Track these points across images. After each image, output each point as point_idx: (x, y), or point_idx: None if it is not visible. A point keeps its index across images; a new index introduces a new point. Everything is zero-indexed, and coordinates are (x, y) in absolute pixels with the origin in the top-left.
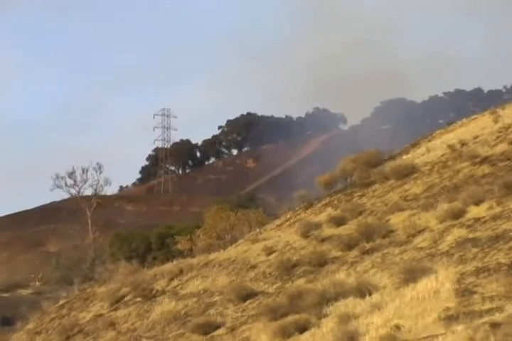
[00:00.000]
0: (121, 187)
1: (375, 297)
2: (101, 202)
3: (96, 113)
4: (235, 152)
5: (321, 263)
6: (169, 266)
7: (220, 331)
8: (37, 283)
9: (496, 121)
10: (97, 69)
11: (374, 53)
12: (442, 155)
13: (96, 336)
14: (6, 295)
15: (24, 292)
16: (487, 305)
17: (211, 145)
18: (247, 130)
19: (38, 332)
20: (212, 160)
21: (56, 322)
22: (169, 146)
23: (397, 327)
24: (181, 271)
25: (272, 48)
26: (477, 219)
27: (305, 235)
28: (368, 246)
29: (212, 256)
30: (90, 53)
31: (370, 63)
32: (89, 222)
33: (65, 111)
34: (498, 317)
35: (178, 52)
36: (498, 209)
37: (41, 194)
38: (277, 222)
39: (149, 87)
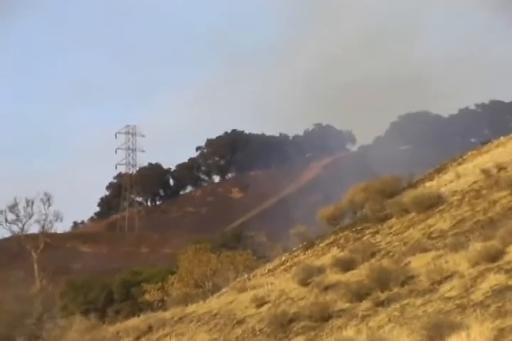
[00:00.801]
0: (75, 224)
1: None
2: (50, 241)
3: (44, 131)
4: (217, 179)
5: (324, 317)
6: (135, 322)
7: None
8: None
9: None
10: (46, 79)
11: (389, 56)
12: (475, 183)
13: None
14: None
15: None
16: None
17: (187, 171)
18: (231, 151)
19: None
20: (188, 188)
21: None
22: (135, 172)
23: None
24: (150, 328)
25: (264, 54)
26: None
27: (304, 282)
28: (382, 295)
29: (190, 308)
30: (37, 58)
31: (385, 68)
32: (36, 266)
33: (3, 130)
34: None
35: (149, 58)
36: None
37: None
38: (270, 265)
39: (111, 100)
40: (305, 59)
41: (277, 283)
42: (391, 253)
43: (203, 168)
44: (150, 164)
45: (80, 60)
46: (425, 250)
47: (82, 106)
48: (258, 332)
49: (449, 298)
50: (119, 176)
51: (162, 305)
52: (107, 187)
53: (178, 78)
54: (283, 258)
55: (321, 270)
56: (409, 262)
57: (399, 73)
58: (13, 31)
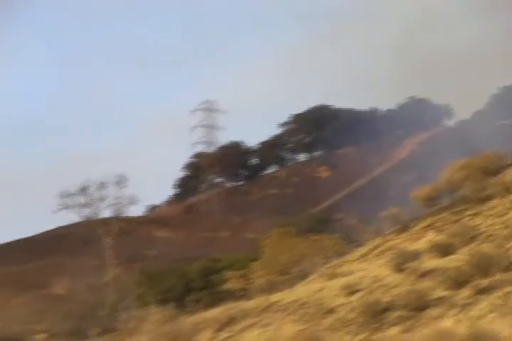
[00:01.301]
0: (150, 207)
1: None
2: (124, 226)
3: (113, 109)
4: (302, 157)
5: (420, 306)
6: (216, 312)
7: None
8: (41, 335)
9: None
10: (109, 52)
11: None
12: None
13: None
14: None
15: None
16: None
17: (271, 149)
18: (318, 128)
19: None
20: (272, 168)
21: None
22: (214, 151)
23: None
24: (233, 319)
25: (349, 22)
26: None
27: (399, 268)
28: (483, 282)
29: (275, 297)
30: (100, 28)
31: (485, 32)
32: (109, 253)
33: (70, 109)
34: None
35: (227, 27)
36: None
37: (43, 217)
38: (361, 250)
39: (186, 73)
40: (397, 24)
41: (369, 270)
42: (492, 237)
43: (287, 146)
44: (230, 142)
45: (149, 29)
46: None
47: (155, 81)
48: (349, 322)
49: None
50: (197, 156)
51: (245, 293)
52: (184, 168)
53: (258, 49)
54: (375, 243)
55: (416, 255)
56: None
57: (500, 37)
58: None
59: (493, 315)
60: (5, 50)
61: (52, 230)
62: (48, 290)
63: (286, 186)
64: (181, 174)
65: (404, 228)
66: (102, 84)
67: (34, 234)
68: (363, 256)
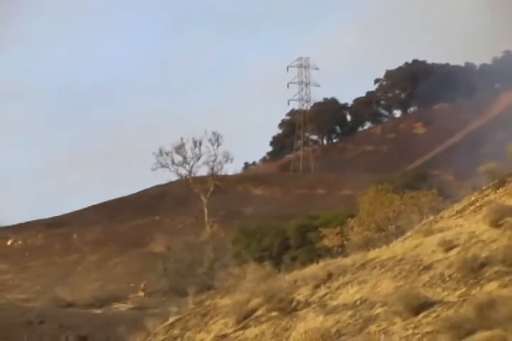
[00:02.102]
0: (246, 165)
1: None
2: (220, 184)
3: (206, 67)
4: (397, 114)
5: None
6: (314, 269)
7: None
8: (140, 293)
9: None
10: (200, 11)
11: None
12: None
13: None
14: (98, 311)
15: (122, 307)
16: None
17: (366, 106)
18: (413, 83)
19: None
20: (367, 125)
21: None
22: (309, 108)
23: None
24: (330, 276)
25: None
26: None
27: (496, 223)
28: None
29: (372, 254)
30: None
31: None
32: (206, 211)
33: (163, 68)
34: None
35: None
36: None
37: (140, 176)
38: (458, 206)
39: (278, 29)
40: None
41: (466, 225)
42: None
43: (382, 102)
44: (325, 99)
45: None
46: None
47: (250, 39)
48: (447, 278)
49: None
50: (292, 113)
51: (342, 250)
52: (280, 125)
53: (351, 5)
54: (472, 198)
55: None
56: None
57: None
58: None
59: None
60: (100, 13)
61: (149, 189)
62: (146, 248)
63: (381, 143)
64: (277, 131)
65: (501, 183)
66: (196, 44)
67: (132, 193)
68: (459, 211)
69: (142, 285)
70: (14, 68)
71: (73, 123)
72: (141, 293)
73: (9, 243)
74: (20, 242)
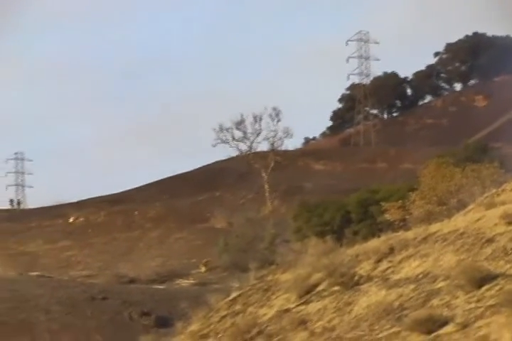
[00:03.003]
0: (306, 140)
1: None
2: (280, 160)
3: (265, 42)
4: (458, 87)
5: None
6: (375, 243)
7: (447, 328)
8: (202, 268)
9: None
10: None
11: None
12: None
13: (282, 338)
14: (160, 287)
15: (184, 282)
16: None
17: (426, 79)
18: (474, 56)
19: (204, 336)
20: (427, 98)
21: (228, 321)
22: (369, 82)
23: None
24: (392, 250)
25: None
26: None
27: None
28: None
29: (434, 227)
30: None
31: None
32: (266, 187)
33: (220, 43)
34: None
35: None
36: None
37: (200, 152)
38: None
39: (337, 2)
40: None
41: None
42: None
43: (442, 76)
44: (385, 73)
45: None
46: None
47: (306, 12)
48: (510, 251)
49: None
50: (352, 87)
51: (403, 224)
52: (339, 100)
53: None
54: None
55: None
56: None
57: None
58: None
59: None
60: None
61: (209, 165)
62: (206, 224)
63: (442, 116)
64: (337, 106)
65: None
66: (254, 18)
67: (192, 169)
68: None
69: (204, 261)
70: (71, 44)
71: (133, 99)
72: (203, 268)
73: (71, 220)
74: (82, 219)
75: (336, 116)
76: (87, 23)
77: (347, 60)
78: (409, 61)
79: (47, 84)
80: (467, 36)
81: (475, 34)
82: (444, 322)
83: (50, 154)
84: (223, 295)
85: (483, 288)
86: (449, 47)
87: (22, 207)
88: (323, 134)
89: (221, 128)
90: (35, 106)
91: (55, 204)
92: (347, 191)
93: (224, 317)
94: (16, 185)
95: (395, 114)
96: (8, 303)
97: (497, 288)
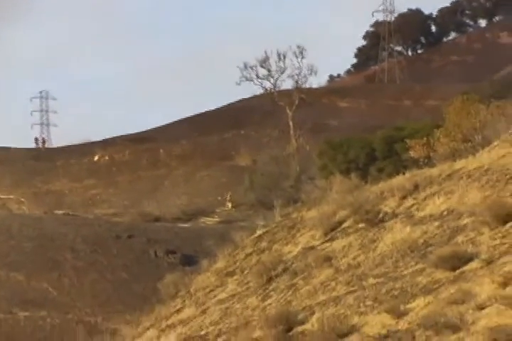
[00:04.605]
0: (331, 77)
1: None
2: (305, 97)
3: None
4: (483, 23)
5: None
6: (400, 180)
7: (472, 264)
8: (228, 204)
9: None
10: None
11: None
12: None
13: (307, 275)
14: (185, 225)
15: (209, 220)
16: None
17: (451, 16)
18: None
19: (230, 273)
20: (452, 35)
21: (253, 259)
22: (393, 19)
23: None
24: (417, 187)
25: None
26: None
27: None
28: None
29: (458, 164)
30: None
31: None
32: (291, 124)
33: None
34: None
35: None
36: None
37: (224, 90)
38: None
39: None
40: None
41: None
42: None
43: (467, 12)
44: (409, 10)
45: None
46: None
47: None
48: None
49: None
50: (376, 24)
51: (428, 161)
52: (364, 37)
53: None
54: None
55: None
56: None
57: None
58: None
59: None
60: None
61: (235, 103)
62: (232, 162)
63: (467, 53)
64: (361, 43)
65: None
66: None
67: (218, 107)
68: None
69: (228, 196)
70: None
71: (158, 36)
72: (229, 204)
73: (96, 158)
74: (107, 158)
75: (361, 53)
76: None
77: None
78: None
79: (73, 21)
80: None
81: None
82: (469, 259)
83: (75, 92)
84: (249, 232)
85: (508, 225)
86: None
87: (47, 145)
88: (348, 72)
89: (246, 66)
90: (61, 43)
91: (80, 142)
92: (372, 128)
93: (249, 254)
94: (41, 123)
95: (419, 51)
96: (35, 242)
97: None
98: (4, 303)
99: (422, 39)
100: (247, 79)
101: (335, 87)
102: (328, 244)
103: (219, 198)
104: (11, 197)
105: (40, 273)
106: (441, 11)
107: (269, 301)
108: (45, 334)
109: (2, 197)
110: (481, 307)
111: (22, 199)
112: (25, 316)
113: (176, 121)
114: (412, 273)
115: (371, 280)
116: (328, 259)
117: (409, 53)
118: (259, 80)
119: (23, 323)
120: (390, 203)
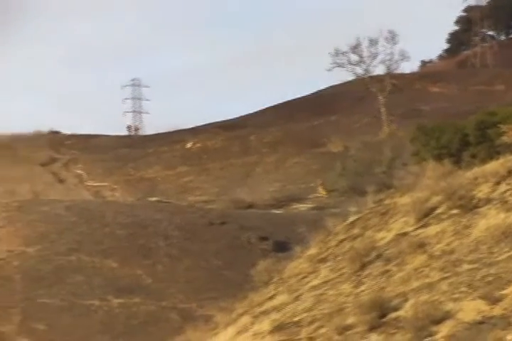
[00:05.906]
0: (423, 63)
1: None
2: (397, 83)
3: None
4: None
5: None
6: (494, 166)
7: None
8: (320, 191)
9: None
10: None
11: None
12: None
13: (400, 262)
14: (278, 211)
15: (302, 207)
16: None
17: None
18: None
19: (322, 260)
20: None
21: (346, 245)
22: (486, 3)
23: None
24: (510, 172)
25: None
26: None
27: None
28: None
29: None
30: None
31: None
32: (383, 110)
33: None
34: None
35: None
36: None
37: (316, 76)
38: None
39: None
40: None
41: None
42: None
43: None
44: None
45: None
46: None
47: None
48: None
49: None
50: (469, 9)
51: None
52: (456, 22)
53: None
54: None
55: None
56: None
57: None
58: None
59: None
60: None
61: (325, 89)
62: (323, 148)
63: None
64: (453, 28)
65: None
66: None
67: (308, 93)
68: None
69: (319, 183)
70: None
71: (241, 21)
72: (321, 190)
73: (189, 145)
74: (199, 145)
75: (453, 38)
76: None
77: None
78: None
79: (163, 10)
80: None
81: None
82: None
83: (166, 80)
84: (341, 219)
85: None
86: None
87: (139, 133)
88: (440, 57)
89: (337, 52)
90: (151, 31)
91: (171, 130)
92: (464, 114)
93: (342, 241)
94: (133, 111)
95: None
96: (128, 229)
97: None
98: (98, 290)
99: None
100: (338, 66)
101: (427, 73)
102: (421, 230)
103: (311, 185)
104: (104, 184)
105: (133, 260)
106: None
107: (362, 288)
108: (140, 321)
109: (95, 184)
110: None
111: (115, 187)
112: (119, 303)
113: (266, 108)
114: (507, 259)
115: (465, 267)
116: (421, 245)
117: (502, 38)
118: (351, 66)
119: (117, 310)
120: (483, 189)
